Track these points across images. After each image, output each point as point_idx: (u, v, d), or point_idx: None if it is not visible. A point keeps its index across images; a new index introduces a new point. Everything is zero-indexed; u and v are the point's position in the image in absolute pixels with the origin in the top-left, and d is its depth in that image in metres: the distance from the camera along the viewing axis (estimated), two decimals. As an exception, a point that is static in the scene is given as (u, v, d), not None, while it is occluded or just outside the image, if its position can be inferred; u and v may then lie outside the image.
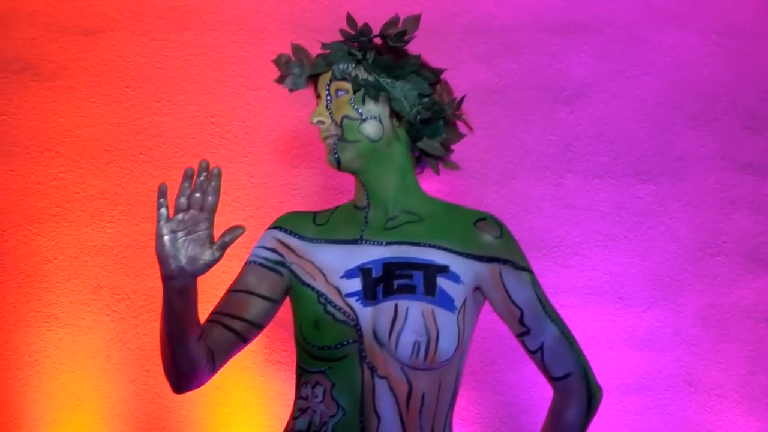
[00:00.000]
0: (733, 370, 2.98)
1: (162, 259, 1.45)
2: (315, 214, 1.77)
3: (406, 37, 1.70)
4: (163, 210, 1.45)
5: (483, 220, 1.68)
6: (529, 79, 3.07)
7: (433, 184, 2.96)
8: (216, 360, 1.65)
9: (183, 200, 1.45)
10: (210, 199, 1.46)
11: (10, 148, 2.92)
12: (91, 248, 2.91)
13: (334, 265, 1.66)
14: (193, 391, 2.83)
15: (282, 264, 1.71)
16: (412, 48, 3.01)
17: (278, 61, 1.71)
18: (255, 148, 3.01)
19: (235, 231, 1.46)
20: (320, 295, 1.65)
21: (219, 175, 1.46)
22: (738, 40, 3.08)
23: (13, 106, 2.94)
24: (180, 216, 1.45)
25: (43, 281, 2.89)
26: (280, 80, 1.72)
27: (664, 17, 3.08)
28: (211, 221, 1.47)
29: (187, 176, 1.46)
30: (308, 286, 1.67)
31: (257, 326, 1.69)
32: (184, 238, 1.45)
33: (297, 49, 1.71)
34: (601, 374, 2.91)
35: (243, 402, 2.90)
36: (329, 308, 1.63)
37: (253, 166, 3.00)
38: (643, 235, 3.01)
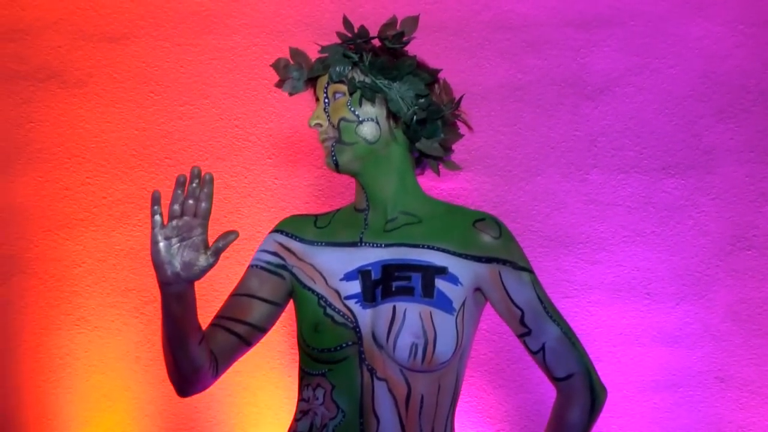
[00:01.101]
0: (766, 366, 2.93)
1: (157, 265, 1.47)
2: (317, 216, 1.77)
3: (404, 38, 1.70)
4: (157, 217, 1.47)
5: (482, 220, 1.67)
6: (553, 75, 3.05)
7: (457, 182, 2.96)
8: (219, 364, 1.67)
9: (176, 207, 1.47)
10: (203, 205, 1.48)
11: (38, 154, 2.99)
12: (118, 252, 2.96)
13: (334, 268, 1.67)
14: (221, 392, 2.89)
15: (283, 267, 1.72)
16: (436, 46, 3.02)
17: (277, 66, 1.72)
18: (278, 149, 3.03)
19: (228, 236, 1.48)
20: (320, 297, 1.66)
21: (211, 181, 1.48)
22: (766, 30, 3.02)
23: (41, 113, 3.00)
24: (174, 222, 1.47)
25: (72, 285, 2.95)
26: (279, 84, 1.73)
27: (689, 8, 3.04)
28: (205, 227, 1.49)
29: (180, 183, 1.48)
30: (308, 288, 1.68)
31: (260, 329, 1.71)
32: (178, 244, 1.47)
33: (295, 53, 1.72)
34: (630, 371, 2.92)
35: (270, 402, 2.92)
36: (329, 311, 1.64)
37: (276, 167, 3.02)
38: (671, 230, 2.97)
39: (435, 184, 2.92)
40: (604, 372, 2.86)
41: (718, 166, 2.99)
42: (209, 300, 2.64)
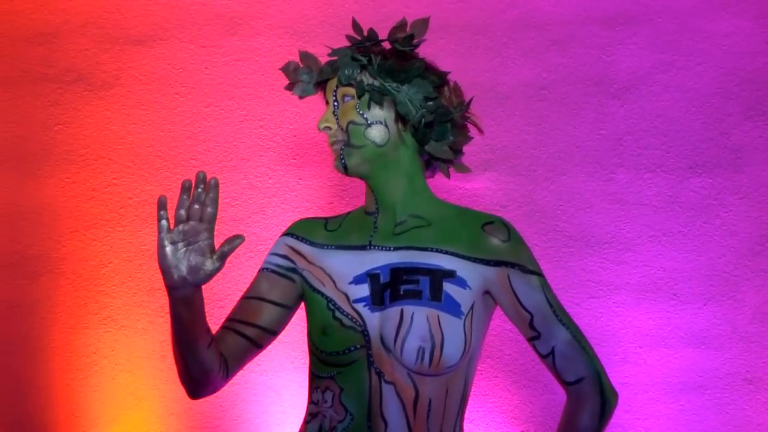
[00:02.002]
0: (796, 368, 2.88)
1: (164, 269, 1.49)
2: (327, 220, 1.78)
3: (414, 41, 1.69)
4: (163, 222, 1.49)
5: (491, 223, 1.67)
6: (578, 74, 3.02)
7: (482, 182, 2.95)
8: (229, 366, 1.68)
9: (182, 212, 1.49)
10: (209, 210, 1.49)
11: (66, 156, 3.03)
12: (144, 252, 2.99)
13: (343, 271, 1.67)
14: (246, 391, 2.91)
15: (294, 270, 1.73)
16: (460, 45, 3.01)
17: (286, 69, 1.72)
18: (303, 150, 3.04)
19: (233, 241, 1.49)
20: (329, 301, 1.66)
21: (216, 186, 1.49)
22: (795, 26, 2.98)
23: (68, 116, 3.04)
24: (180, 227, 1.49)
25: (99, 285, 2.99)
26: (289, 87, 1.73)
27: (717, 4, 2.99)
28: (211, 231, 1.50)
29: (185, 188, 1.49)
30: (318, 292, 1.68)
31: (270, 332, 1.71)
32: (185, 249, 1.49)
33: (305, 57, 1.73)
34: (657, 372, 2.89)
35: (295, 401, 2.93)
36: (337, 314, 1.64)
37: (301, 168, 3.03)
38: (697, 230, 2.94)
39: (459, 184, 2.91)
40: (629, 373, 2.85)
41: (746, 164, 2.94)
42: (233, 301, 2.66)
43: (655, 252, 2.94)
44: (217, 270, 1.49)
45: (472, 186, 2.96)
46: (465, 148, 1.72)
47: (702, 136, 2.97)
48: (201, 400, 2.87)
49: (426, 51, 1.75)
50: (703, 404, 2.88)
